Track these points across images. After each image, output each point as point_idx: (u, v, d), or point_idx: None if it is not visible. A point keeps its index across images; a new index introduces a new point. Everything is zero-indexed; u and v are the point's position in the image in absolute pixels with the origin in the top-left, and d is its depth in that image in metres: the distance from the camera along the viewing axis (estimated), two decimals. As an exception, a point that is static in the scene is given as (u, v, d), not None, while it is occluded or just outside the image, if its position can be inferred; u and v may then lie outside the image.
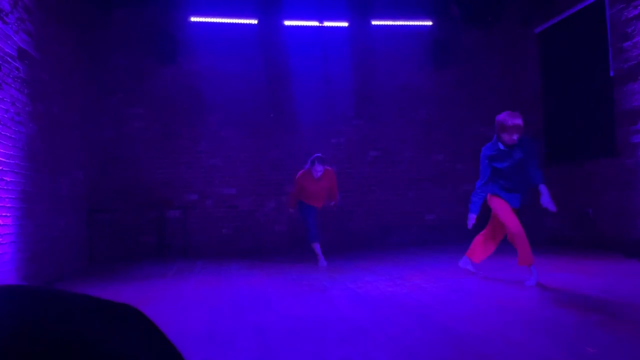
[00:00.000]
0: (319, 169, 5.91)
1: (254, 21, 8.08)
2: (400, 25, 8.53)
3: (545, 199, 4.15)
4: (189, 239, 7.63)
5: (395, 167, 8.44)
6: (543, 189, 4.17)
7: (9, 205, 4.44)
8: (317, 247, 6.09)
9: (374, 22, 8.45)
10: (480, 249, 4.77)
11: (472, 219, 4.58)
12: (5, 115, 4.42)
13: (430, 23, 8.56)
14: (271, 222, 7.93)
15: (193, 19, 7.91)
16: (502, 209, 4.37)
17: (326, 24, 8.30)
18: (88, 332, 0.43)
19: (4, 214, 4.34)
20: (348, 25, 8.38)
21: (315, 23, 8.28)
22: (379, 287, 4.33)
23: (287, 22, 8.21)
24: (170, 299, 4.16)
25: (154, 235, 7.58)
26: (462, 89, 8.60)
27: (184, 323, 3.26)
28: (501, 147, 4.30)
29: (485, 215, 4.78)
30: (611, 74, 6.14)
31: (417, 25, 8.57)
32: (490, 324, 3.01)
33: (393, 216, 8.32)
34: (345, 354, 2.49)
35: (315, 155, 6.03)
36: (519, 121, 4.18)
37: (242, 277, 5.23)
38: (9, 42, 4.53)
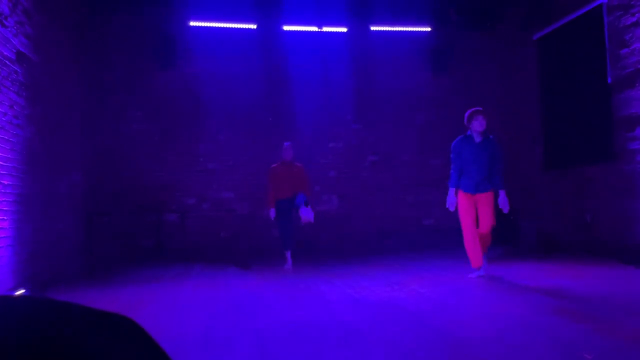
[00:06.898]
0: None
1: (253, 26, 8.10)
2: (399, 31, 8.57)
3: (502, 200, 4.85)
4: (186, 242, 7.62)
5: (394, 172, 8.44)
6: (502, 193, 4.86)
7: (6, 208, 4.43)
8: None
9: (372, 28, 8.49)
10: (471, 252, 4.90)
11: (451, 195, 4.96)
12: (3, 118, 4.42)
13: (428, 29, 8.60)
14: (269, 227, 7.90)
15: (193, 23, 7.94)
16: (461, 214, 4.88)
17: (325, 29, 8.33)
18: (82, 343, 0.43)
19: (1, 217, 4.33)
20: (347, 31, 8.41)
21: (314, 28, 8.30)
22: (377, 291, 4.32)
23: (286, 27, 8.24)
24: (167, 303, 4.15)
25: (152, 239, 7.56)
26: (461, 94, 8.61)
27: (181, 326, 3.25)
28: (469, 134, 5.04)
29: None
30: (609, 80, 6.17)
31: (415, 31, 8.61)
32: (488, 329, 3.01)
33: (391, 221, 8.31)
34: (342, 359, 2.49)
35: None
36: (479, 109, 5.07)
37: (239, 281, 5.22)
38: (7, 45, 4.54)
